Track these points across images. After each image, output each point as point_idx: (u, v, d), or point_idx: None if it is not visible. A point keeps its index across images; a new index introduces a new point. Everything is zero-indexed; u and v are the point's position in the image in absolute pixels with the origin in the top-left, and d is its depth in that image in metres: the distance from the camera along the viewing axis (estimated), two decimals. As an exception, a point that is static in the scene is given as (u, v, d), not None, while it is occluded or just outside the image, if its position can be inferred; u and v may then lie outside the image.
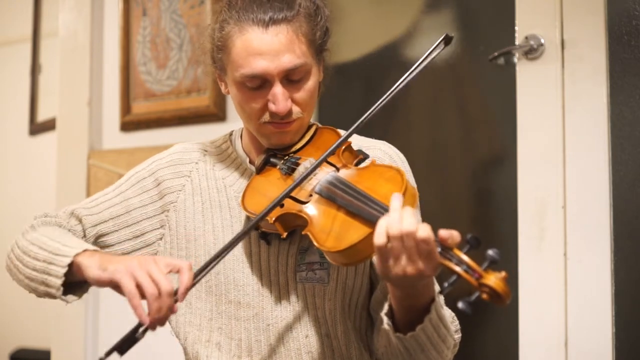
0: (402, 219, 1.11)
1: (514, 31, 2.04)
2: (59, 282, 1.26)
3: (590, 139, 1.91)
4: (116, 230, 1.47)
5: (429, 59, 1.30)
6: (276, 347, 1.38)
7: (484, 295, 1.07)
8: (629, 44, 1.90)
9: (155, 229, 1.48)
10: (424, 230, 1.10)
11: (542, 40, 1.99)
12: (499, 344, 2.13)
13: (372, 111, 1.29)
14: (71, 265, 1.26)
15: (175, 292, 1.18)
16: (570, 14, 1.96)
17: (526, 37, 2.01)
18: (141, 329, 1.17)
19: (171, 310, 1.18)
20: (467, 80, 2.24)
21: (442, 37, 1.31)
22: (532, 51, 2.00)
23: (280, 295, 1.39)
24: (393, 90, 1.29)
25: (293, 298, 1.39)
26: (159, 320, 1.17)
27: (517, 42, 2.03)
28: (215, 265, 1.24)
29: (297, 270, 1.39)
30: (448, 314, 1.35)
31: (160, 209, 1.48)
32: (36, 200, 3.77)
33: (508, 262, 1.97)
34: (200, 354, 1.41)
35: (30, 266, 1.33)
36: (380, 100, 1.29)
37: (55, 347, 2.90)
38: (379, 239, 1.12)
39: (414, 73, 1.30)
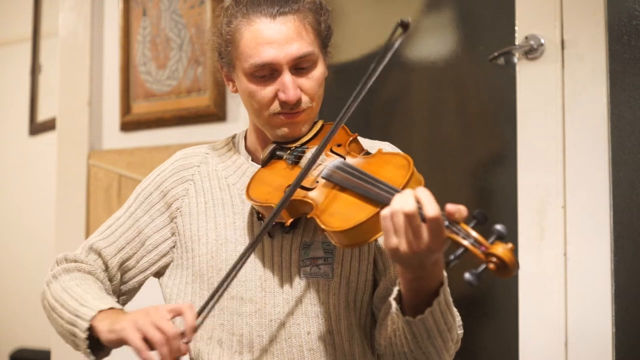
0: (403, 198, 1.13)
1: (514, 31, 2.04)
2: (84, 345, 1.32)
3: (590, 139, 1.91)
4: (135, 253, 1.50)
5: (391, 51, 1.30)
6: (278, 343, 1.38)
7: (491, 266, 1.07)
8: (629, 44, 1.90)
9: (167, 239, 1.50)
10: (433, 209, 1.11)
11: (542, 40, 1.99)
12: (499, 344, 2.13)
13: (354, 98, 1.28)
14: (91, 329, 1.31)
15: (183, 334, 1.22)
16: (570, 14, 1.96)
17: (526, 37, 2.01)
18: None
19: (181, 351, 1.22)
20: (467, 80, 2.25)
21: (397, 23, 1.30)
22: (532, 51, 2.00)
23: (283, 290, 1.39)
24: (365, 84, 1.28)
25: (296, 293, 1.39)
26: None
27: (517, 42, 2.03)
28: (221, 294, 1.29)
29: (301, 266, 1.39)
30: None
31: (169, 218, 1.50)
32: (36, 200, 3.77)
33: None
34: (201, 352, 1.42)
35: (59, 323, 1.38)
36: (356, 92, 1.28)
37: (55, 347, 2.89)
38: (385, 212, 1.13)
39: (381, 67, 1.29)
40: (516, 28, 2.04)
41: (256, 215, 1.42)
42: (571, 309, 1.91)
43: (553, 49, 1.97)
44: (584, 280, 1.90)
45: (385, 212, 1.13)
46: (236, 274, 1.29)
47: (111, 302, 1.35)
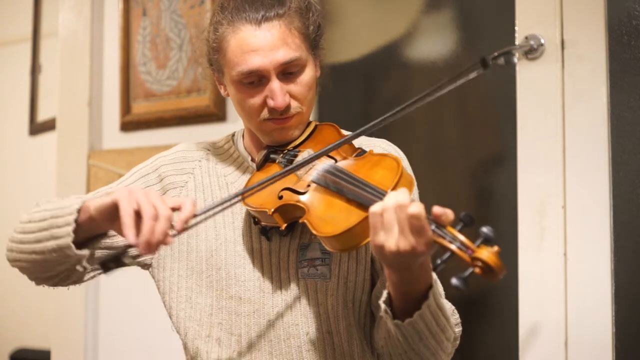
0: (395, 194, 1.13)
1: (514, 31, 2.04)
2: (69, 229, 1.26)
3: (590, 139, 1.91)
4: None
5: (459, 81, 1.28)
6: (277, 343, 1.38)
7: (477, 270, 1.08)
8: (629, 44, 1.90)
9: None
10: (416, 206, 1.11)
11: (542, 40, 1.99)
12: (499, 344, 2.13)
13: (382, 119, 1.28)
14: (79, 212, 1.26)
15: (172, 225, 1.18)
16: (570, 14, 1.96)
17: (526, 37, 2.01)
18: (129, 250, 1.18)
19: (165, 237, 1.17)
20: (467, 81, 2.24)
21: (480, 60, 1.28)
22: (532, 51, 2.00)
23: (282, 291, 1.40)
24: (410, 103, 1.27)
25: (294, 294, 1.39)
26: (149, 243, 1.16)
27: (517, 42, 2.03)
28: (218, 212, 1.25)
29: (299, 267, 1.40)
30: (448, 306, 1.36)
31: None
32: (36, 201, 3.76)
33: (508, 262, 1.97)
34: (200, 350, 1.42)
35: (36, 229, 1.33)
36: (395, 111, 1.28)
37: (55, 347, 2.89)
38: (374, 209, 1.13)
39: (440, 92, 1.27)
40: (516, 28, 2.04)
41: (252, 219, 1.41)
42: (571, 309, 1.91)
43: (553, 49, 1.97)
44: (584, 280, 1.90)
45: (375, 208, 1.14)
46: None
47: None
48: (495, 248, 1.08)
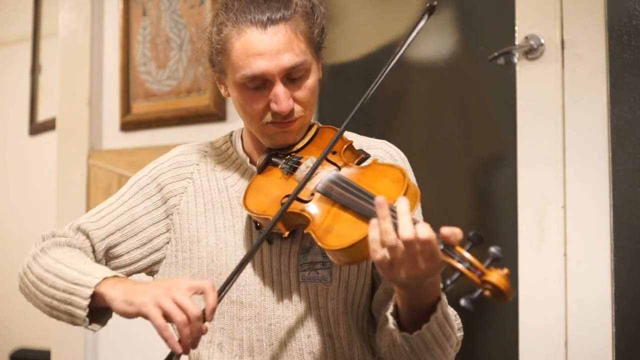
0: (400, 226, 1.12)
1: (514, 31, 2.04)
2: (83, 314, 1.28)
3: (590, 139, 1.91)
4: (124, 241, 1.47)
5: (415, 33, 1.33)
6: (278, 347, 1.38)
7: (487, 292, 1.07)
8: (629, 44, 1.90)
9: (162, 234, 1.47)
10: (426, 231, 1.10)
11: (542, 40, 1.99)
12: (499, 344, 2.13)
13: (369, 93, 1.31)
14: (93, 295, 1.27)
15: (202, 313, 1.20)
16: (570, 14, 1.96)
17: (526, 37, 2.01)
18: (174, 357, 1.20)
19: (201, 332, 1.20)
20: (467, 80, 2.24)
21: (426, 7, 1.31)
22: (532, 51, 2.00)
23: (283, 294, 1.39)
24: (385, 70, 1.32)
25: (295, 298, 1.39)
26: (191, 344, 1.20)
27: (517, 42, 2.03)
28: (236, 279, 1.27)
29: (300, 270, 1.39)
30: (451, 311, 1.35)
31: (165, 213, 1.48)
32: (36, 200, 3.77)
33: (508, 263, 1.96)
34: (202, 355, 1.41)
35: (49, 295, 1.33)
36: (375, 82, 1.31)
37: (55, 347, 2.90)
38: (376, 254, 1.13)
39: (403, 49, 1.32)
40: (516, 28, 2.04)
41: (254, 224, 1.41)
42: (571, 309, 1.91)
43: (553, 49, 1.97)
44: (584, 280, 1.90)
45: (375, 245, 1.13)
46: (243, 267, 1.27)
47: (114, 271, 1.32)
48: (505, 270, 1.08)
